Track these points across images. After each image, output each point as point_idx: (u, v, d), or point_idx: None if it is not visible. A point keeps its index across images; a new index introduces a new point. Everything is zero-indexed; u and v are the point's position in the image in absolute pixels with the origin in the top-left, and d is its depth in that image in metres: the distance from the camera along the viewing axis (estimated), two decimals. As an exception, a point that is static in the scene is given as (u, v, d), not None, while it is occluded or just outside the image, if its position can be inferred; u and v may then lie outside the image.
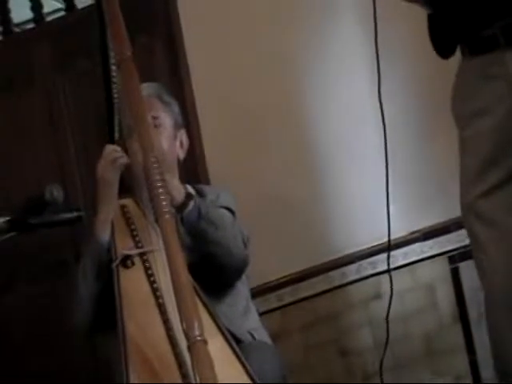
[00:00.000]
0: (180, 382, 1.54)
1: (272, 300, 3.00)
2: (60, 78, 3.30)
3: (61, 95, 3.29)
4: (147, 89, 2.23)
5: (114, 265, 1.95)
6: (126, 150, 2.12)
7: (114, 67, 2.05)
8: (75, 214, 1.90)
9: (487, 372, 2.80)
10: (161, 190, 1.70)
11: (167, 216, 1.66)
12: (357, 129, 3.03)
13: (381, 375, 2.64)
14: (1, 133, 3.29)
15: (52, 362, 3.10)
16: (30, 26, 3.64)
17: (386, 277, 2.86)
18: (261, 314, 2.23)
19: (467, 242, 2.78)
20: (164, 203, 1.68)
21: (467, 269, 2.87)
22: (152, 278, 1.88)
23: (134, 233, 2.06)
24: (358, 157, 3.03)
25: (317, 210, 3.05)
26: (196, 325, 1.46)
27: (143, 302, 1.82)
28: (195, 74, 3.18)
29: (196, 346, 1.43)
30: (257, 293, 2.37)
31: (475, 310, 2.84)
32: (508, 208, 1.93)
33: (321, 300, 2.99)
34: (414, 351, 2.88)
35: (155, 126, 2.20)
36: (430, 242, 2.95)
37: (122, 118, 2.13)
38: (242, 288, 2.18)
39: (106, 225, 2.07)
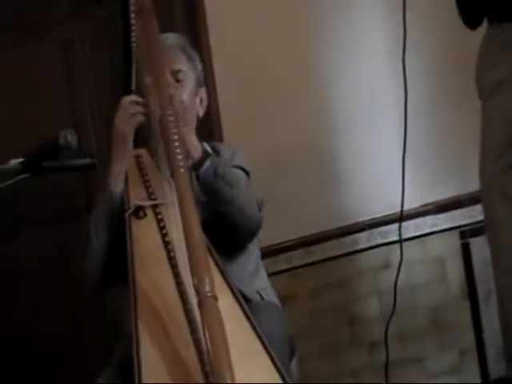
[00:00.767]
0: (189, 336, 1.52)
1: (281, 262, 2.99)
2: (76, 26, 3.26)
3: (77, 43, 3.25)
4: (172, 39, 2.19)
5: (127, 214, 1.93)
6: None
7: (133, 15, 2.01)
8: (89, 160, 1.88)
9: (492, 349, 2.80)
10: (176, 144, 1.68)
11: (182, 170, 1.65)
12: (374, 98, 3.00)
13: (386, 343, 2.64)
14: (16, 79, 3.25)
15: (61, 308, 3.11)
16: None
17: (395, 247, 2.88)
18: (269, 275, 2.21)
19: (479, 217, 2.81)
20: (179, 157, 1.66)
21: (478, 244, 2.86)
22: (164, 231, 1.85)
23: (148, 184, 2.04)
24: (374, 126, 3.00)
25: (331, 175, 3.03)
26: (207, 281, 1.44)
27: (154, 253, 1.80)
28: (213, 36, 3.13)
29: (206, 301, 1.42)
30: (266, 253, 2.34)
31: (484, 287, 2.84)
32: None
33: (330, 265, 2.98)
34: (420, 323, 2.88)
35: (178, 81, 2.16)
36: (442, 216, 2.94)
37: (139, 68, 2.09)
38: (253, 248, 2.16)
39: (119, 178, 2.04)
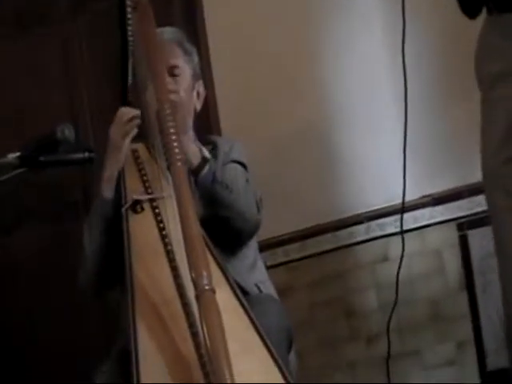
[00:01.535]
0: (187, 330, 1.53)
1: (279, 255, 3.00)
2: (74, 22, 3.26)
3: (75, 37, 3.25)
4: (168, 33, 2.19)
5: (124, 209, 1.94)
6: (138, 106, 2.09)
7: (129, 9, 2.01)
8: (87, 154, 1.88)
9: (490, 340, 2.81)
10: (173, 137, 1.68)
11: (179, 164, 1.65)
12: (372, 90, 2.99)
13: (388, 336, 2.64)
14: (15, 73, 3.25)
15: (59, 302, 3.12)
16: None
17: (393, 239, 2.89)
18: (267, 268, 2.22)
19: (478, 209, 2.83)
20: (176, 150, 1.66)
21: (476, 236, 2.86)
22: (161, 225, 1.86)
23: (145, 178, 2.05)
24: (373, 118, 3.00)
25: (329, 168, 3.03)
26: (205, 274, 1.45)
27: (151, 247, 1.80)
28: (210, 23, 3.13)
29: (204, 295, 1.42)
30: (264, 246, 2.35)
31: (481, 278, 2.84)
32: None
33: (328, 258, 2.98)
34: (418, 315, 2.88)
35: (174, 75, 2.16)
36: (440, 208, 2.93)
37: (136, 62, 2.09)
38: (251, 242, 2.16)
39: (110, 183, 2.06)
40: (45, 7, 3.27)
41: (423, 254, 2.91)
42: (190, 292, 1.54)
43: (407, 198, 2.83)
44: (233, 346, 1.38)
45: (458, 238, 2.89)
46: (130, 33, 2.05)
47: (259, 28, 3.07)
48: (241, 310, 1.63)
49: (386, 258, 2.93)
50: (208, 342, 1.38)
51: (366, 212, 2.98)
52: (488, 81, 1.98)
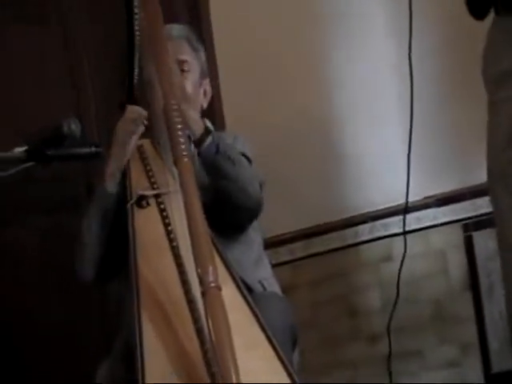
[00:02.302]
0: (192, 326, 1.52)
1: (283, 253, 2.98)
2: (79, 14, 3.24)
3: (79, 30, 3.24)
4: (178, 30, 2.20)
5: (129, 204, 1.94)
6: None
7: (136, 4, 2.00)
8: (94, 149, 1.87)
9: (494, 342, 2.80)
10: (180, 133, 1.67)
11: (185, 159, 1.64)
12: (377, 90, 2.97)
13: (389, 335, 2.64)
14: (19, 68, 3.23)
15: (61, 296, 3.10)
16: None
17: (398, 239, 2.89)
18: (272, 267, 2.21)
19: (482, 210, 2.82)
20: (183, 146, 1.66)
21: (480, 238, 2.85)
22: (166, 221, 1.85)
23: (150, 173, 2.05)
24: (378, 118, 2.98)
25: (333, 167, 3.02)
26: (211, 270, 1.44)
27: (157, 243, 1.79)
28: (216, 24, 3.12)
29: (210, 292, 1.42)
30: (268, 245, 2.33)
31: (486, 280, 2.83)
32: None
33: (332, 257, 2.97)
34: (421, 316, 2.86)
35: (183, 71, 2.16)
36: (444, 209, 2.92)
37: (142, 57, 2.08)
38: (255, 237, 2.16)
39: (113, 178, 2.06)
40: (49, 2, 3.26)
41: (427, 254, 2.90)
42: (195, 288, 1.53)
43: (411, 199, 2.84)
44: (238, 343, 1.37)
45: (463, 239, 2.88)
46: (136, 27, 2.05)
47: (264, 25, 3.05)
48: (246, 308, 1.63)
49: (389, 258, 2.92)
50: (214, 338, 1.37)
51: (371, 212, 2.97)
52: (494, 82, 1.98)
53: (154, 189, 1.97)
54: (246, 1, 3.10)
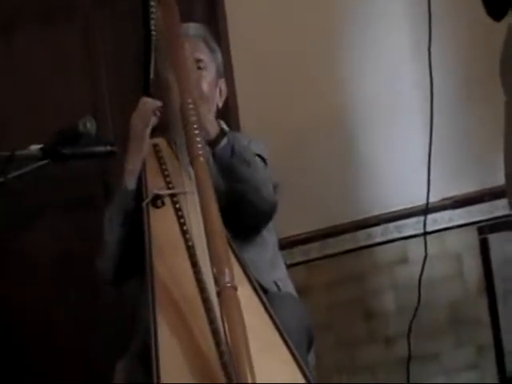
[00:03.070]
0: (207, 326, 1.51)
1: (298, 254, 2.98)
2: (97, 13, 3.25)
3: (99, 31, 3.24)
4: (193, 29, 2.20)
5: (145, 203, 1.93)
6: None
7: (153, 3, 2.01)
8: (109, 148, 1.87)
9: (510, 345, 2.77)
10: (196, 132, 1.66)
11: (201, 159, 1.63)
12: (396, 91, 2.96)
13: (408, 339, 2.61)
14: (37, 66, 3.25)
15: (76, 294, 3.12)
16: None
17: (412, 242, 2.88)
18: (287, 267, 2.19)
19: (498, 213, 2.79)
20: (199, 145, 1.65)
21: (497, 240, 2.82)
22: (182, 220, 1.84)
23: (166, 173, 2.04)
24: (392, 119, 2.97)
25: (349, 169, 3.01)
26: (227, 271, 1.43)
27: (172, 243, 1.78)
28: (232, 27, 3.12)
29: (226, 292, 1.40)
30: (282, 245, 2.32)
31: (501, 283, 2.81)
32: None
33: (347, 259, 2.96)
34: (437, 319, 2.84)
35: (199, 68, 2.15)
36: (460, 211, 2.90)
37: (159, 57, 2.08)
38: (270, 238, 2.15)
39: (133, 175, 2.06)
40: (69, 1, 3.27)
41: (442, 257, 2.88)
42: (211, 288, 1.53)
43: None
44: (253, 345, 1.36)
45: (479, 242, 2.85)
46: (152, 27, 2.04)
47: (280, 25, 3.05)
48: (262, 309, 1.62)
49: (405, 260, 2.90)
50: (229, 339, 1.36)
51: (383, 214, 2.95)
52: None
53: (169, 188, 1.97)
54: (262, 1, 3.10)
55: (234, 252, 1.75)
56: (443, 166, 2.88)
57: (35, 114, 3.17)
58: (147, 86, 2.12)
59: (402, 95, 2.96)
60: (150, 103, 2.07)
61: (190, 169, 1.70)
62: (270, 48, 3.04)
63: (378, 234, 2.95)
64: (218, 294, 1.41)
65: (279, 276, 2.08)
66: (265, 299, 1.65)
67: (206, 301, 1.56)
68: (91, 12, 3.25)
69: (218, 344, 1.47)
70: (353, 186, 3.00)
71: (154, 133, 2.13)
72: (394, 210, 2.94)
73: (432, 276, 2.84)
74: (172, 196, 1.94)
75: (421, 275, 2.59)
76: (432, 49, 2.63)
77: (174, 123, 2.00)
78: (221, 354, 1.44)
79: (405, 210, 2.92)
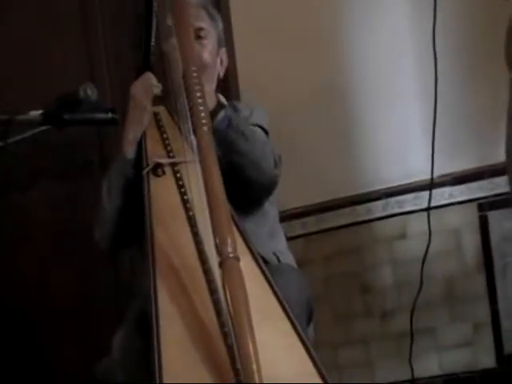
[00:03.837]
0: (207, 296, 1.50)
1: (296, 227, 2.97)
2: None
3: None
4: None
5: (145, 171, 1.91)
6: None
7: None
8: (110, 115, 1.85)
9: (507, 323, 2.78)
10: (200, 101, 1.64)
11: (205, 128, 1.61)
12: (398, 64, 2.95)
13: (411, 316, 2.60)
14: (33, 33, 3.23)
15: (73, 260, 3.12)
16: None
17: (411, 217, 2.88)
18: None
19: (499, 190, 2.79)
20: (202, 115, 1.62)
21: (495, 218, 2.82)
22: (183, 190, 1.82)
23: (167, 142, 2.02)
24: (397, 94, 2.95)
25: (349, 142, 3.00)
26: (229, 241, 1.42)
27: (172, 212, 1.77)
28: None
29: (228, 262, 1.39)
30: (281, 218, 2.30)
31: (500, 260, 2.80)
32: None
33: (345, 233, 2.95)
34: (434, 294, 2.84)
35: (200, 37, 2.13)
36: (460, 187, 2.89)
37: (160, 21, 2.05)
38: (270, 209, 2.13)
39: (133, 145, 2.03)
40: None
41: (441, 233, 2.87)
42: (212, 258, 1.51)
43: (428, 176, 2.81)
44: (254, 316, 1.35)
45: (478, 219, 2.85)
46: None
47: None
48: (263, 279, 1.61)
49: (403, 236, 2.90)
50: (231, 309, 1.35)
51: (384, 188, 2.94)
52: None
53: (170, 157, 1.95)
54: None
55: (235, 223, 1.73)
56: (443, 142, 2.86)
57: (32, 82, 3.14)
58: (148, 58, 2.10)
59: (404, 70, 2.94)
60: (153, 78, 2.06)
61: (192, 137, 1.68)
62: (273, 19, 3.03)
63: (379, 208, 2.94)
64: (220, 264, 1.40)
65: (279, 248, 2.07)
66: (266, 270, 1.64)
67: (206, 271, 1.55)
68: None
69: (218, 314, 1.46)
70: (353, 161, 2.99)
71: (155, 101, 2.10)
72: (395, 184, 2.94)
73: (430, 251, 2.83)
74: (173, 165, 1.92)
75: (426, 252, 2.55)
76: (436, 26, 2.61)
77: (175, 91, 1.97)
78: (222, 324, 1.44)
79: (405, 184, 2.92)
